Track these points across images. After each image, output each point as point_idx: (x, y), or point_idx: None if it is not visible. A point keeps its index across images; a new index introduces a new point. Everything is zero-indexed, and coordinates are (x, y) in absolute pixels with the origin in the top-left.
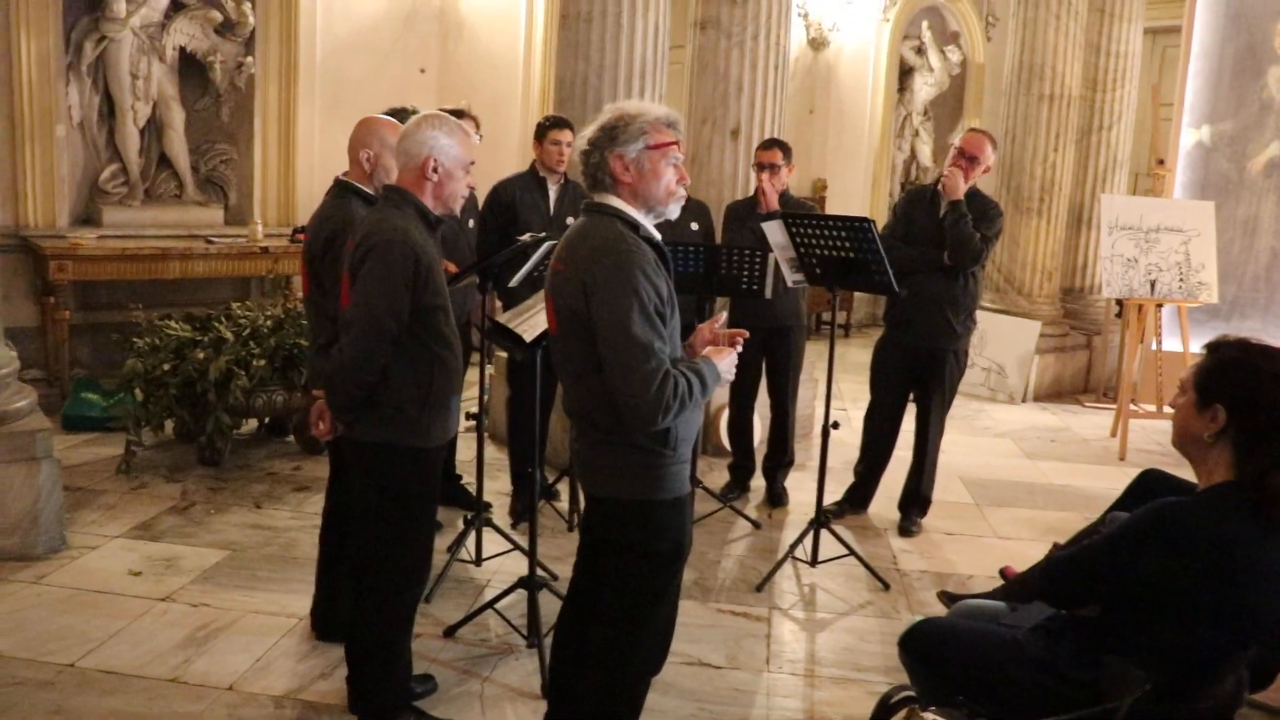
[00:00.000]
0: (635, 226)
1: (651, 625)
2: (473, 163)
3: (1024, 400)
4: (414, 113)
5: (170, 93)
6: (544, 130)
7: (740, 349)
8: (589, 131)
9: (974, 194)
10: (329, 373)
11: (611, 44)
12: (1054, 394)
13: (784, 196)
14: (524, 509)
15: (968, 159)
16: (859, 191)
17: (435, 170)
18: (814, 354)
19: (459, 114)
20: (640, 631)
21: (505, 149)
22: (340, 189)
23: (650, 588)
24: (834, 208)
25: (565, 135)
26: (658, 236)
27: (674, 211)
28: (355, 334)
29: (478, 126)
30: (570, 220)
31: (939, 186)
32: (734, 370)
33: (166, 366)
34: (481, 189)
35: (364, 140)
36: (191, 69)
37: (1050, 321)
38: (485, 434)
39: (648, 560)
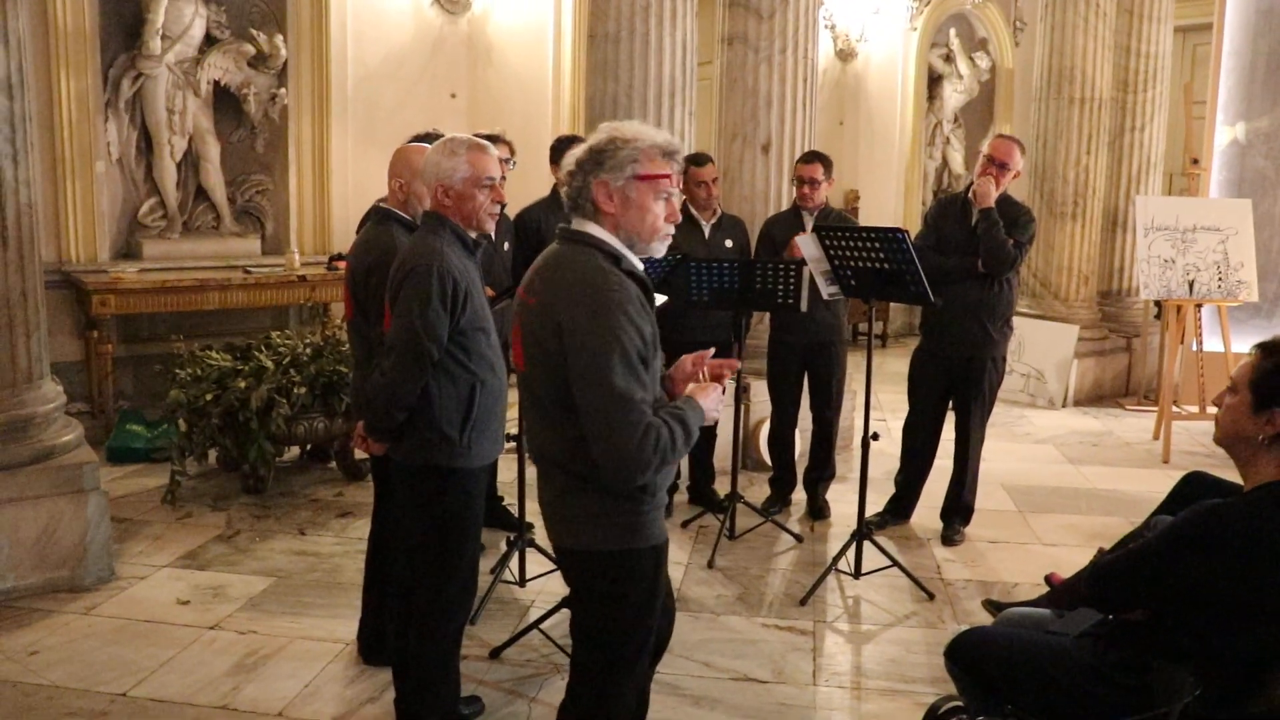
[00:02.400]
0: (617, 259)
1: (629, 682)
2: (491, 177)
3: (1064, 405)
4: (436, 137)
5: (206, 126)
6: (563, 153)
7: (729, 380)
8: (579, 151)
9: (1005, 200)
10: (369, 395)
11: (640, 62)
12: (1094, 398)
13: (824, 210)
14: None
15: (997, 166)
16: (891, 201)
17: (447, 195)
18: (851, 365)
19: (493, 139)
20: (616, 689)
21: (539, 170)
22: (381, 216)
23: (626, 642)
24: (867, 218)
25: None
26: (640, 268)
27: (658, 250)
28: (395, 357)
29: (512, 152)
30: None
31: (970, 194)
32: (720, 409)
33: (209, 396)
34: (514, 212)
35: (395, 169)
36: (226, 102)
37: (1088, 325)
38: (525, 454)
39: (624, 613)
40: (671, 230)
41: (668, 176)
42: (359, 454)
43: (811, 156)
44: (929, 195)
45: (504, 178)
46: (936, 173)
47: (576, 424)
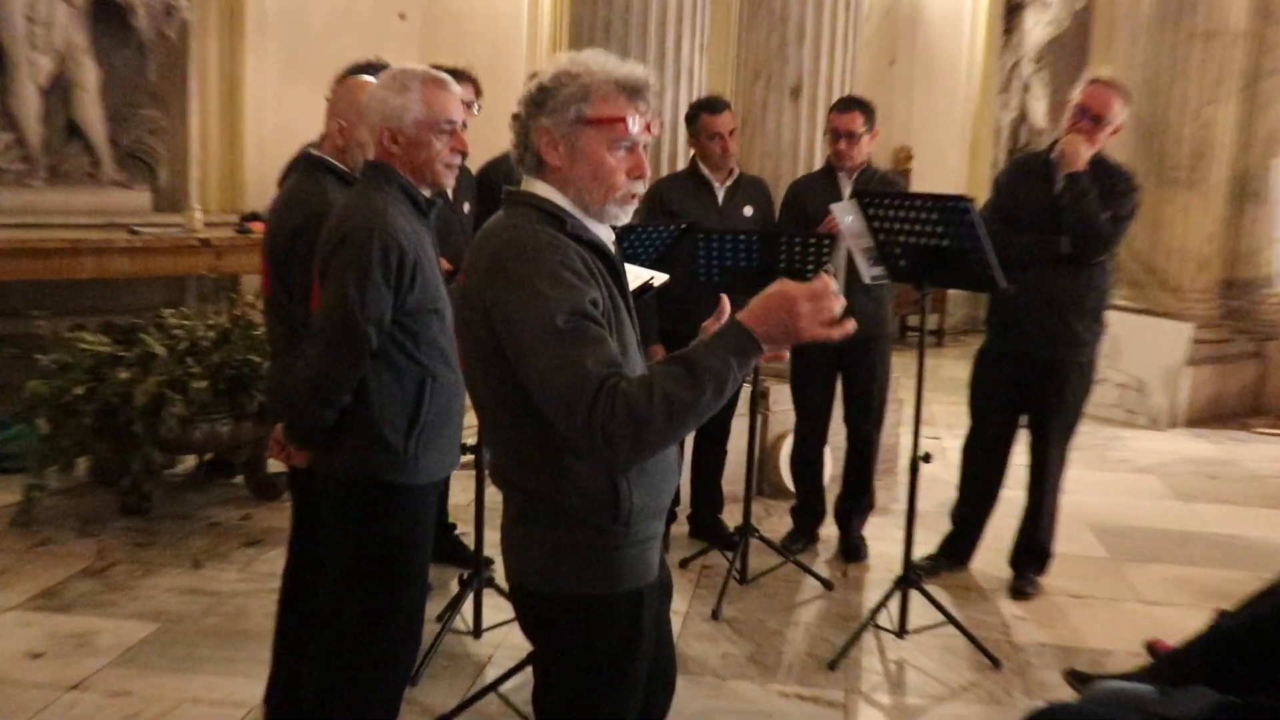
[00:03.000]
0: (561, 221)
1: None
2: (451, 121)
3: (1172, 425)
4: (383, 69)
5: (80, 43)
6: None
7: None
8: (524, 90)
9: (1100, 163)
10: (290, 391)
11: None
12: (1213, 416)
13: (865, 171)
14: None
15: (1091, 119)
16: (953, 162)
17: (395, 141)
18: (898, 368)
19: (455, 75)
20: None
21: (507, 114)
22: (311, 166)
23: (598, 713)
24: (921, 183)
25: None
26: (600, 236)
27: (619, 215)
28: (324, 342)
29: (478, 91)
30: None
31: (1055, 155)
32: (815, 319)
33: (80, 390)
34: (478, 161)
35: (337, 107)
36: (108, 13)
37: (1207, 324)
38: (487, 472)
39: (595, 676)
40: (637, 191)
41: (623, 120)
42: (274, 465)
43: (849, 103)
44: (1002, 156)
45: (465, 124)
46: (1012, 126)
47: (528, 430)
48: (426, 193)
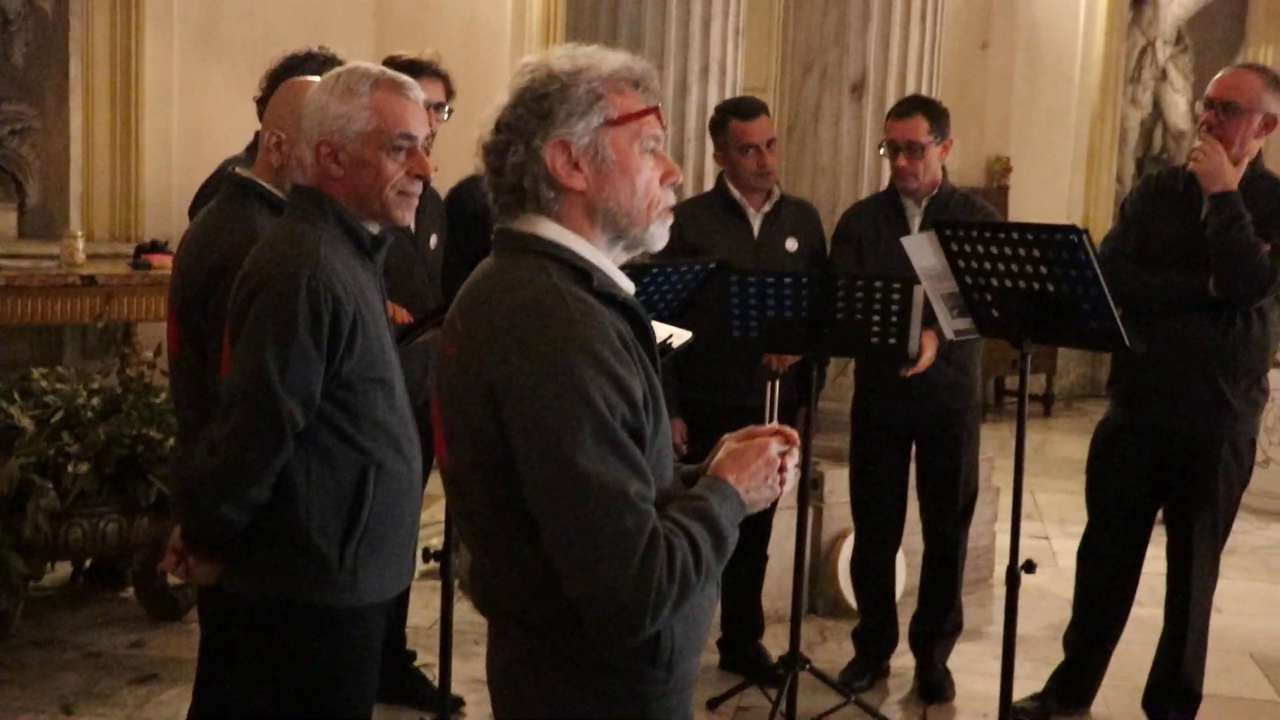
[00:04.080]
0: (585, 274)
1: None
2: (410, 135)
3: None
4: (330, 63)
5: None
6: None
7: (792, 463)
8: (497, 110)
9: (1261, 178)
10: (190, 484)
11: None
12: None
13: (940, 194)
14: None
15: (1225, 112)
16: (1065, 176)
17: (335, 159)
18: (990, 445)
19: (416, 69)
20: None
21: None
22: (236, 189)
23: None
24: (1022, 206)
25: None
26: (627, 286)
27: (663, 236)
28: (234, 424)
29: (448, 92)
30: None
31: (1192, 168)
32: (775, 491)
33: None
34: (448, 183)
35: (276, 115)
36: None
37: None
38: (455, 583)
39: None
40: (672, 199)
41: (655, 112)
42: (174, 578)
43: (910, 106)
44: (1129, 168)
45: (433, 134)
46: (1143, 129)
47: (532, 545)
48: (374, 228)
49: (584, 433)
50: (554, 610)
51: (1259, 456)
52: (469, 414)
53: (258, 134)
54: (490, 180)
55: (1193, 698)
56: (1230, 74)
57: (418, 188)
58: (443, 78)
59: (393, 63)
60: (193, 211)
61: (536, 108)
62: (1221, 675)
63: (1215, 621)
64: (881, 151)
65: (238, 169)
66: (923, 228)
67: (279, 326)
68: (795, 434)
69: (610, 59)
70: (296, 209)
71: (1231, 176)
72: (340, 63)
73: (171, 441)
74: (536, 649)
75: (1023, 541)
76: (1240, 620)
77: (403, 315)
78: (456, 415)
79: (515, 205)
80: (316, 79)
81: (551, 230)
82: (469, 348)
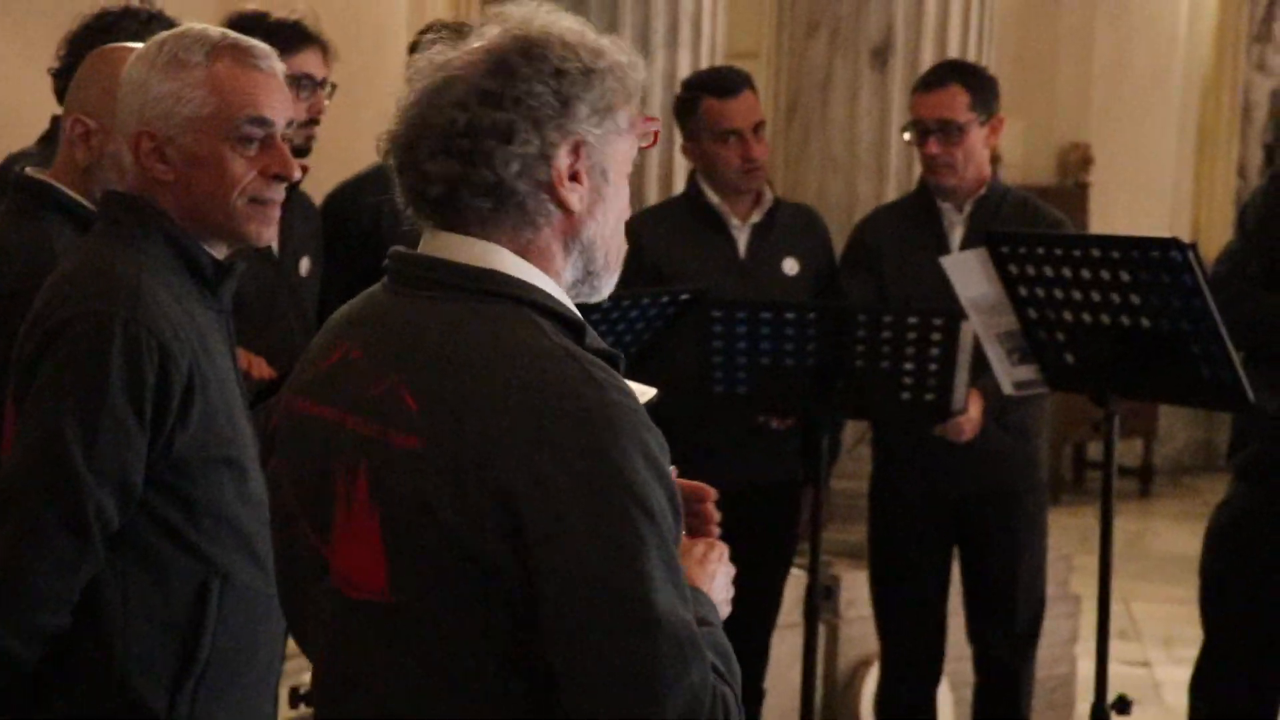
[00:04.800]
0: (578, 329)
1: None
2: (265, 119)
3: None
4: (155, 23)
5: None
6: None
7: (718, 537)
8: (461, 71)
9: None
10: None
11: None
12: None
13: (988, 194)
14: None
15: None
16: (1165, 170)
17: (161, 157)
18: (1070, 536)
19: (283, 33)
20: None
21: (378, 97)
22: (27, 196)
23: None
24: (1108, 212)
25: None
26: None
27: (609, 288)
28: (18, 520)
29: (327, 59)
30: None
31: None
32: (728, 593)
33: None
34: (331, 185)
35: (78, 95)
36: None
37: None
38: None
39: None
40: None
41: (654, 118)
42: None
43: (943, 74)
44: (1254, 159)
45: (313, 120)
46: (1273, 102)
47: (526, 704)
48: (218, 251)
49: (649, 560)
50: None
51: None
52: (453, 531)
53: (55, 120)
54: (452, 171)
55: None
56: None
57: (278, 193)
58: (318, 43)
59: (242, 22)
60: None
61: (559, 88)
62: None
63: None
64: (907, 137)
65: (28, 169)
66: (967, 243)
67: (84, 387)
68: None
69: (621, 48)
70: (109, 225)
71: None
72: (170, 23)
73: None
74: None
75: (1114, 670)
76: None
77: (262, 368)
78: (420, 530)
79: (465, 216)
80: (137, 45)
81: (514, 265)
82: (455, 440)
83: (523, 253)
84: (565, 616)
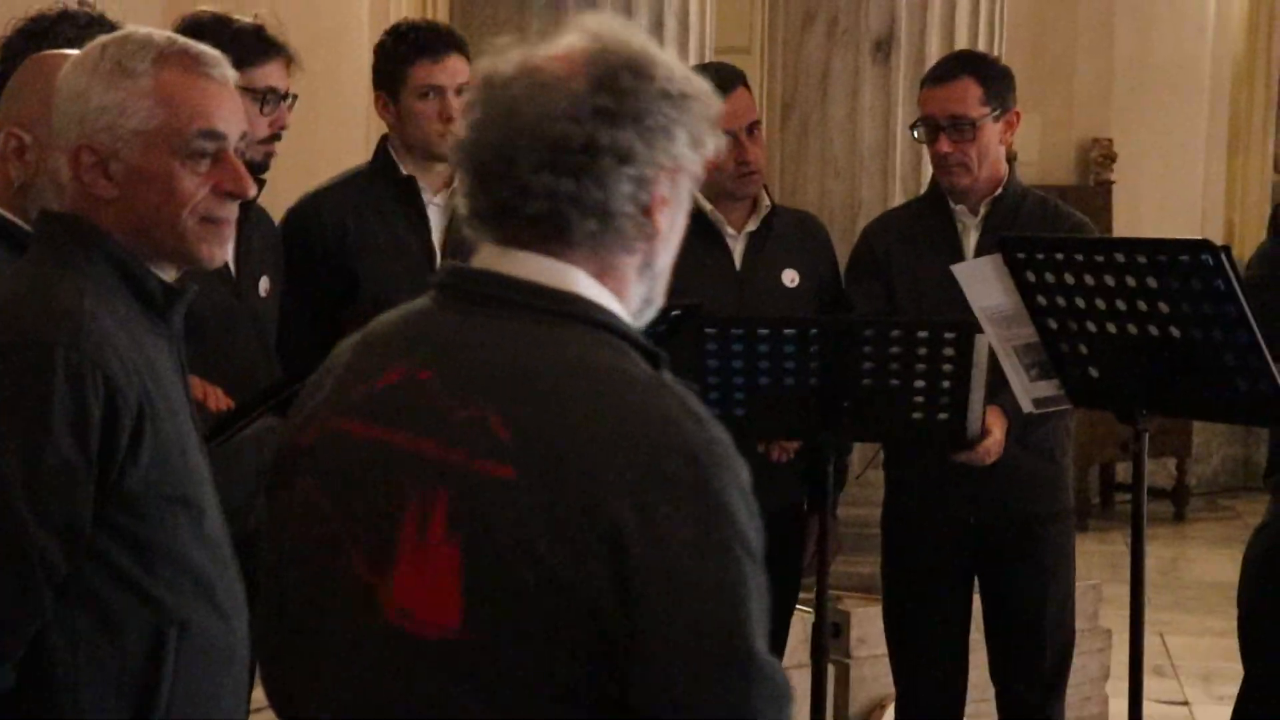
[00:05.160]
0: (656, 360)
1: None
2: (216, 133)
3: None
4: (95, 26)
5: None
6: (400, 63)
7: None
8: (560, 82)
9: None
10: None
11: None
12: None
13: (1007, 194)
14: None
15: None
16: (1195, 168)
17: (102, 172)
18: (1098, 565)
19: (232, 34)
20: None
21: (339, 106)
22: None
23: None
24: (1134, 212)
25: (452, 71)
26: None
27: (646, 319)
28: None
29: (288, 65)
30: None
31: None
32: None
33: None
34: (292, 198)
35: (14, 106)
36: None
37: None
38: None
39: None
40: None
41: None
42: None
43: (954, 66)
44: None
45: (277, 136)
46: None
47: None
48: (167, 273)
49: (751, 601)
50: None
51: None
52: (549, 566)
53: None
54: (561, 188)
55: None
56: None
57: (231, 211)
58: (283, 52)
59: (193, 25)
60: None
61: (666, 111)
62: None
63: None
64: (915, 135)
65: None
66: (981, 248)
67: (24, 424)
68: None
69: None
70: (47, 247)
71: None
72: (112, 27)
73: None
74: None
75: (1149, 710)
76: None
77: (218, 398)
78: (508, 563)
79: (549, 227)
80: (74, 52)
81: (592, 289)
82: (555, 473)
83: (600, 276)
84: (668, 657)
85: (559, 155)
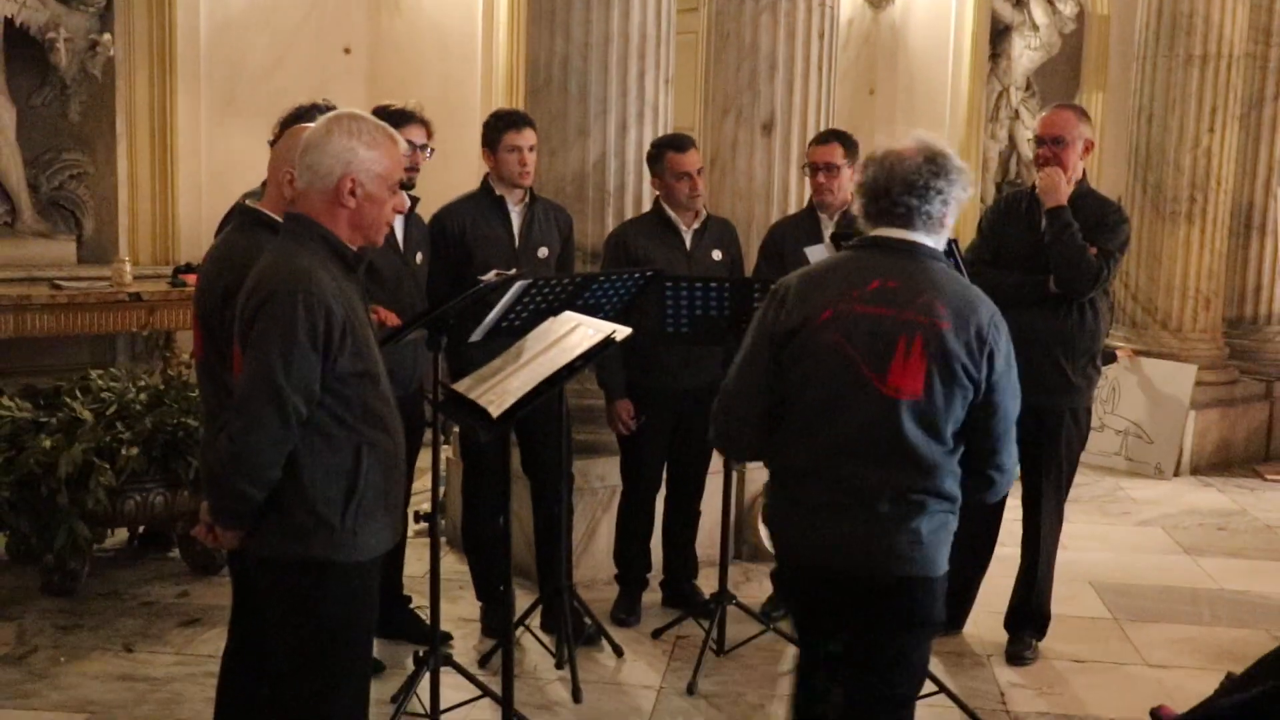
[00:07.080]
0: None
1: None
2: (401, 181)
3: (1177, 473)
4: (328, 111)
5: None
6: (497, 132)
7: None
8: (910, 156)
9: (1085, 195)
10: (213, 468)
11: (600, 11)
12: (1220, 464)
13: (848, 211)
14: (496, 640)
15: (1051, 143)
16: None
17: (353, 193)
18: None
19: (403, 116)
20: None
21: (461, 156)
22: (247, 220)
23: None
24: None
25: (526, 138)
26: None
27: None
28: (248, 415)
29: (429, 133)
30: (544, 252)
31: (1036, 190)
32: None
33: None
34: (436, 206)
35: (285, 155)
36: (25, 49)
37: (1211, 365)
38: (442, 539)
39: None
40: None
41: None
42: None
43: (828, 135)
44: (990, 189)
45: (416, 168)
46: (1001, 158)
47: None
48: (356, 245)
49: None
50: (946, 482)
51: (1094, 423)
52: (965, 367)
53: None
54: (913, 203)
55: (1043, 618)
56: (1050, 114)
57: (394, 218)
58: (424, 123)
59: (382, 112)
60: (218, 233)
61: (955, 177)
62: (1066, 600)
63: (1061, 557)
64: (805, 171)
65: (248, 201)
66: (830, 239)
67: (282, 333)
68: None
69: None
70: (290, 233)
71: (1064, 194)
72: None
73: (202, 428)
74: (922, 505)
75: None
76: (1080, 555)
77: (392, 319)
78: (949, 367)
79: (910, 219)
80: (311, 125)
81: (933, 241)
82: (968, 326)
83: (927, 232)
84: (997, 401)
85: (913, 187)
